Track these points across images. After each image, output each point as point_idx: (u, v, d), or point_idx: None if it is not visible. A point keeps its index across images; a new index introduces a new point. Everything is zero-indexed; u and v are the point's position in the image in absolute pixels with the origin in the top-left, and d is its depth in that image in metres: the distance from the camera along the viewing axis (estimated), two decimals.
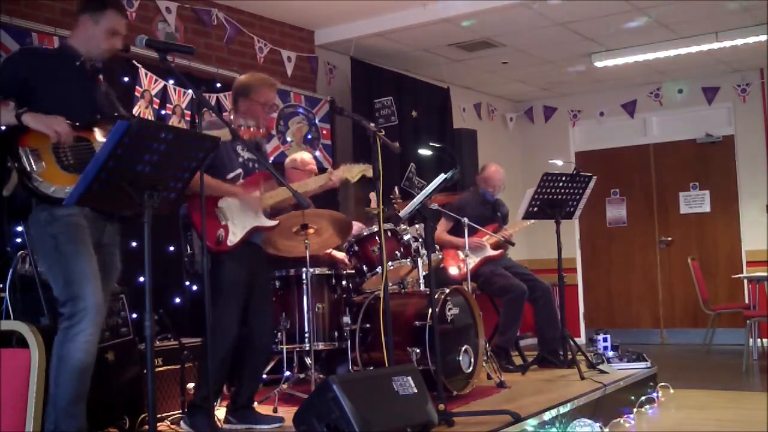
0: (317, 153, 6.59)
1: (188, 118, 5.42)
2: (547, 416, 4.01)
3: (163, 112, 5.29)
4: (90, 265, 3.10)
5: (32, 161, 3.02)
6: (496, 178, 6.05)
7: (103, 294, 3.14)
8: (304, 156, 5.32)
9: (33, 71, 3.16)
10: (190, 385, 4.11)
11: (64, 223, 3.08)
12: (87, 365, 3.07)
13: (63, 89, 3.19)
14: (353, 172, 4.31)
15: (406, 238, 4.87)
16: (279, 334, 4.48)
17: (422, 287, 4.84)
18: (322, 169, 6.46)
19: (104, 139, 2.72)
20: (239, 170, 3.88)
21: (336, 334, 4.58)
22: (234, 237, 3.74)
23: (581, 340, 9.18)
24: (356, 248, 4.94)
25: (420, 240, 4.88)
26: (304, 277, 4.47)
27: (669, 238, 9.25)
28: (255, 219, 3.86)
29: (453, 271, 5.84)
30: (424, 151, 7.28)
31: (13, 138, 3.03)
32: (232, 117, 3.98)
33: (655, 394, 5.33)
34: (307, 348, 4.44)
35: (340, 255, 5.12)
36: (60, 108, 3.10)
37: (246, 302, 3.83)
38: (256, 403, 4.09)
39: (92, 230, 3.18)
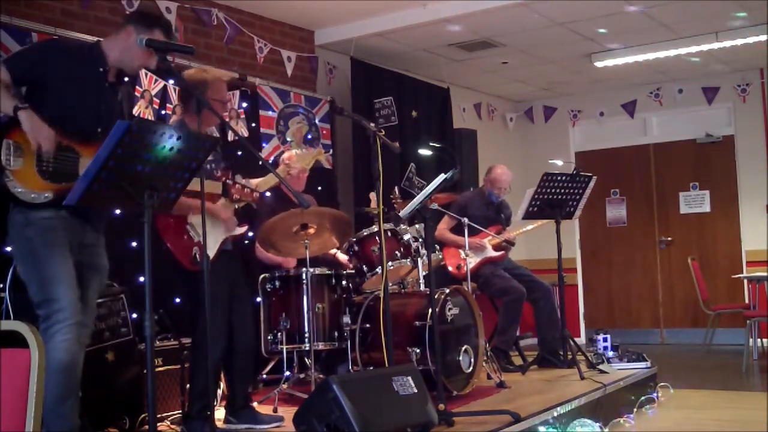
0: None
1: None
2: (547, 416, 4.01)
3: (163, 112, 5.29)
4: (64, 266, 3.09)
5: (12, 156, 3.00)
6: (503, 179, 6.03)
7: (89, 293, 3.14)
8: (291, 153, 5.29)
9: (53, 67, 3.13)
10: None
11: (39, 227, 3.07)
12: (68, 364, 3.05)
13: (74, 92, 3.16)
14: (307, 159, 4.32)
15: (406, 238, 4.87)
16: (279, 334, 4.49)
17: (422, 287, 4.84)
18: (320, 169, 6.48)
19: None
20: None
21: (336, 334, 4.59)
22: (209, 252, 3.68)
23: (581, 340, 9.18)
24: (356, 248, 4.94)
25: (420, 240, 4.88)
26: (304, 277, 4.47)
27: (669, 238, 9.25)
28: (225, 229, 3.84)
29: (453, 269, 5.84)
30: (424, 151, 7.28)
31: (4, 126, 3.01)
32: (182, 117, 3.91)
33: (655, 394, 5.33)
34: (307, 348, 4.44)
35: (343, 257, 5.12)
36: (63, 111, 3.09)
37: (229, 310, 3.84)
38: (256, 403, 4.09)
39: (71, 232, 3.15)
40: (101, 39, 3.39)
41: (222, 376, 4.27)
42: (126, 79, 3.46)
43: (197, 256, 3.67)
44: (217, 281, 3.68)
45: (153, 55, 3.27)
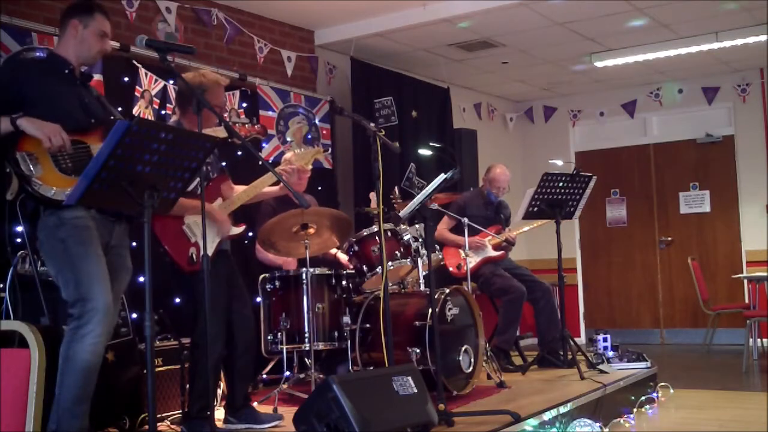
0: None
1: None
2: (547, 416, 4.01)
3: (163, 112, 5.29)
4: (99, 266, 3.11)
5: (30, 165, 3.04)
6: (502, 179, 6.04)
7: (113, 295, 3.15)
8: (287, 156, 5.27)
9: (24, 84, 3.16)
10: None
11: (72, 226, 3.09)
12: (93, 366, 3.08)
13: (55, 98, 3.20)
14: (306, 158, 4.29)
15: (406, 238, 4.87)
16: (279, 334, 4.49)
17: (422, 287, 4.84)
18: (320, 169, 6.48)
19: (101, 145, 2.72)
20: (196, 179, 3.78)
21: (336, 334, 4.58)
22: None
23: (581, 340, 9.18)
24: (356, 248, 4.94)
25: (420, 240, 4.88)
26: (304, 277, 4.47)
27: (669, 238, 9.25)
28: (219, 231, 3.82)
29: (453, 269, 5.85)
30: (424, 151, 7.28)
31: (11, 142, 3.04)
32: (179, 119, 3.90)
33: (655, 394, 5.33)
34: (307, 348, 4.44)
35: (344, 258, 5.12)
36: (55, 116, 3.11)
37: (229, 310, 3.84)
38: (256, 404, 4.09)
39: (100, 232, 3.19)
40: (51, 48, 3.42)
41: (222, 375, 4.27)
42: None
43: (194, 256, 3.67)
44: (215, 282, 3.67)
45: (107, 39, 3.34)
